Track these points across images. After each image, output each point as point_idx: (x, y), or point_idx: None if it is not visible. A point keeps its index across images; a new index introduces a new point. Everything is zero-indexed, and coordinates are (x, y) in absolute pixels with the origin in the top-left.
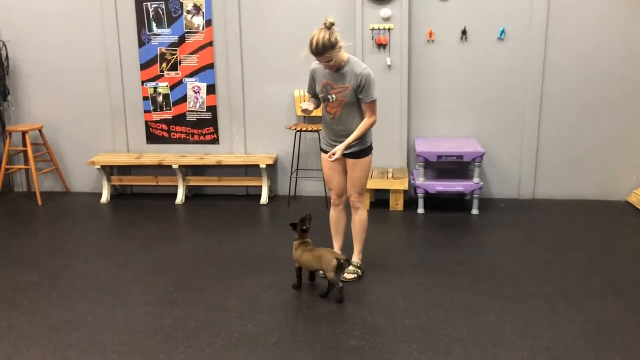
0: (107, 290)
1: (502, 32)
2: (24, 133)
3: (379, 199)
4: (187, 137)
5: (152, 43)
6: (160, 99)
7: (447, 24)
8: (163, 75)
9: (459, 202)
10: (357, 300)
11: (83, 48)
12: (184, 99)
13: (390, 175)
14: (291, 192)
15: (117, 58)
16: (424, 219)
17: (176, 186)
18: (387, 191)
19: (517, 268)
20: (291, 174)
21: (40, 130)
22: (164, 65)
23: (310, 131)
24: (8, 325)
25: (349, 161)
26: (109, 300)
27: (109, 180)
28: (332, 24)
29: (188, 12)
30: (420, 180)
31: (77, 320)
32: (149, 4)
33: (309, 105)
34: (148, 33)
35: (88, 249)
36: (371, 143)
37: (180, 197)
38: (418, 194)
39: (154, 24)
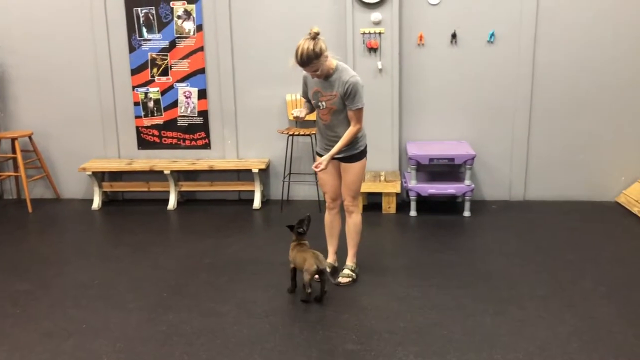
0: (100, 297)
1: (492, 35)
2: (13, 140)
3: (372, 202)
4: (179, 143)
5: (143, 48)
6: (151, 104)
7: (437, 28)
8: (154, 80)
9: (450, 204)
10: (352, 304)
11: (73, 54)
12: (175, 104)
13: (382, 178)
14: (284, 196)
15: (107, 64)
16: (417, 222)
17: (168, 192)
18: (379, 194)
19: (510, 269)
20: (284, 178)
21: (30, 137)
22: (155, 70)
23: (303, 135)
24: (1, 334)
25: (343, 165)
26: (103, 307)
27: (100, 186)
28: (317, 34)
29: (179, 17)
30: (412, 183)
31: (71, 327)
32: (139, 9)
33: (300, 112)
34: (138, 38)
35: (80, 256)
36: (365, 147)
37: (172, 203)
38: (410, 197)
39: (144, 29)
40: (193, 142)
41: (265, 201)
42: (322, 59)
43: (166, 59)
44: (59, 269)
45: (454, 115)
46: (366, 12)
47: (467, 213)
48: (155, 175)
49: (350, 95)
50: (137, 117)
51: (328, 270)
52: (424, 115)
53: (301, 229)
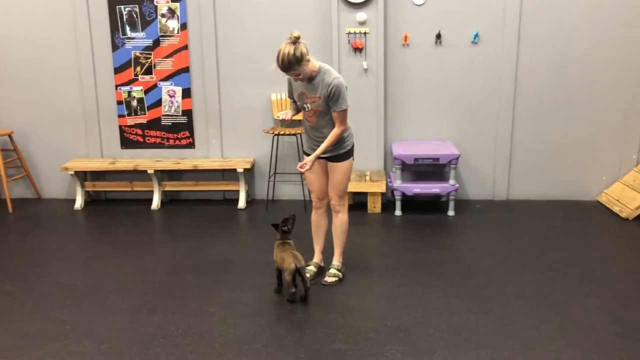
0: (84, 299)
1: (476, 36)
2: None
3: (357, 202)
4: (163, 142)
5: (126, 47)
6: (134, 103)
7: (422, 28)
8: (137, 79)
9: (435, 203)
10: (339, 303)
11: (55, 52)
12: (158, 103)
13: (368, 178)
14: (269, 196)
15: (90, 62)
16: (402, 221)
17: (152, 191)
18: (365, 194)
19: (494, 268)
20: (269, 178)
21: (10, 136)
22: (139, 69)
23: (288, 135)
24: None
25: (330, 164)
26: (86, 308)
27: (82, 186)
28: (298, 38)
29: (162, 15)
30: (397, 183)
31: (54, 330)
32: (122, 7)
33: (285, 114)
34: (122, 37)
35: (63, 256)
36: (352, 146)
37: (156, 203)
38: (395, 197)
39: (127, 28)
40: (177, 142)
41: (250, 201)
42: (303, 63)
43: (150, 58)
44: (41, 270)
45: (439, 115)
46: (351, 12)
47: (451, 212)
48: (138, 174)
49: (333, 97)
50: (121, 116)
51: (313, 269)
52: (409, 115)
53: (285, 227)
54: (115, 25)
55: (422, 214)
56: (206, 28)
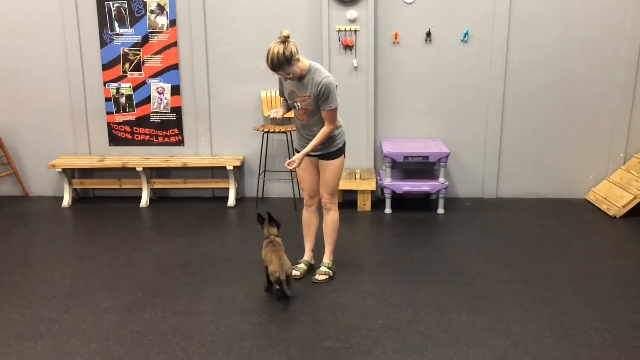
0: (73, 297)
1: (466, 34)
2: None
3: (347, 200)
4: (152, 139)
5: (115, 43)
6: (123, 100)
7: (413, 27)
8: (126, 76)
9: (425, 201)
10: (330, 301)
11: (43, 48)
12: (148, 100)
13: (358, 176)
14: (259, 194)
15: (78, 59)
16: (392, 219)
17: (141, 189)
18: (355, 192)
19: (484, 266)
20: (259, 176)
21: None
22: (127, 66)
23: (278, 132)
24: None
25: (321, 162)
26: (75, 307)
27: (70, 183)
28: (288, 38)
29: (152, 12)
30: (387, 181)
31: (42, 329)
32: (111, 3)
33: (276, 113)
34: (110, 33)
35: (51, 255)
36: (344, 145)
37: (145, 201)
38: (386, 195)
39: (116, 24)
40: (166, 139)
41: (240, 199)
42: (293, 62)
43: (139, 55)
44: (29, 269)
45: (429, 113)
46: (342, 10)
47: (441, 210)
48: (127, 172)
49: (323, 96)
50: (109, 113)
51: (304, 267)
52: (399, 114)
53: (273, 218)
54: (104, 22)
55: (412, 212)
56: (196, 25)
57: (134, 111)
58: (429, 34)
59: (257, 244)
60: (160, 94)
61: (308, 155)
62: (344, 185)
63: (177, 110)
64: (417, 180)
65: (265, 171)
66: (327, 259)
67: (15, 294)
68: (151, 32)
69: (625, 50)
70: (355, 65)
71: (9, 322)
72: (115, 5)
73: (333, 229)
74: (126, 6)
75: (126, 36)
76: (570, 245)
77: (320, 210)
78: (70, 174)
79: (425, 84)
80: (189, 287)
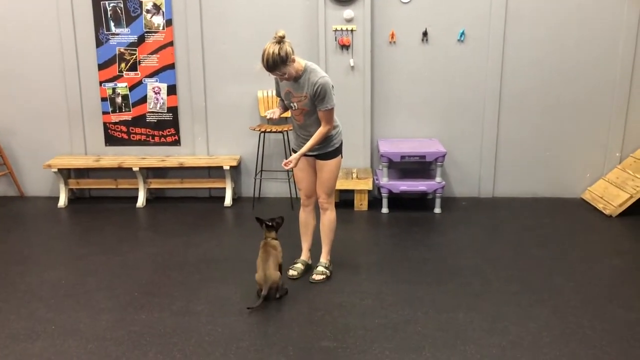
0: (69, 297)
1: (462, 34)
2: None
3: (344, 199)
4: (148, 139)
5: (111, 43)
6: (119, 99)
7: (409, 26)
8: (122, 75)
9: (421, 201)
10: (326, 301)
11: (38, 47)
12: (144, 99)
13: (354, 175)
14: (256, 193)
15: (74, 58)
16: (389, 219)
17: (137, 189)
18: (351, 191)
19: (481, 265)
20: (255, 175)
21: None
22: (123, 65)
23: (275, 132)
24: None
25: (318, 162)
26: (72, 307)
27: (66, 183)
28: (283, 38)
29: (147, 11)
30: (384, 181)
31: (39, 329)
32: (106, 2)
33: (273, 113)
34: (106, 33)
35: (47, 255)
36: (340, 144)
37: (141, 200)
38: (382, 194)
39: (112, 24)
40: (162, 139)
41: (236, 198)
42: (288, 63)
43: (135, 54)
44: (25, 268)
45: (425, 112)
46: (338, 9)
47: (437, 210)
48: (123, 172)
49: (319, 96)
50: (105, 113)
51: (301, 266)
52: (395, 113)
53: (271, 223)
54: (100, 21)
55: (409, 211)
56: (192, 24)
57: (129, 111)
58: (425, 34)
59: (254, 243)
60: (156, 93)
61: (304, 155)
62: (341, 184)
63: (173, 110)
64: (413, 179)
65: (261, 171)
66: (324, 258)
67: (12, 294)
68: (147, 32)
69: (620, 50)
70: (352, 64)
71: (5, 322)
72: (111, 5)
73: (330, 229)
74: (122, 5)
75: (122, 35)
76: (566, 244)
77: (317, 210)
78: (66, 173)
79: (422, 83)
80: (186, 286)
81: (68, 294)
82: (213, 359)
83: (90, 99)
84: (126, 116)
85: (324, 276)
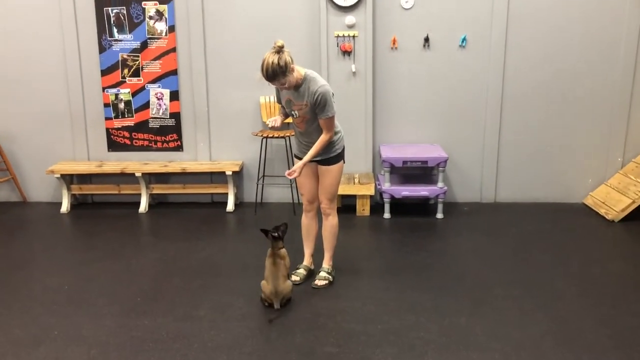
0: (72, 303)
1: (464, 39)
2: None
3: (346, 205)
4: (150, 145)
5: (114, 49)
6: (122, 105)
7: (411, 32)
8: (125, 81)
9: (423, 206)
10: (329, 306)
11: (41, 53)
12: (146, 105)
13: (356, 181)
14: (258, 199)
15: (76, 64)
16: (391, 224)
17: (139, 194)
18: (353, 197)
19: (483, 270)
20: (258, 180)
21: None
22: (126, 71)
23: (277, 137)
24: None
25: (320, 168)
26: (74, 313)
27: (69, 189)
28: (282, 47)
29: (150, 17)
30: (386, 186)
31: (42, 335)
32: (109, 9)
33: (274, 122)
34: (109, 39)
35: (49, 260)
36: (343, 150)
37: (143, 206)
38: (384, 199)
39: (115, 30)
40: (165, 144)
41: (238, 204)
42: (288, 72)
43: (137, 60)
44: (28, 274)
45: (427, 118)
46: (340, 15)
47: (439, 215)
48: (126, 177)
49: (319, 104)
50: (108, 118)
51: (303, 272)
52: (397, 118)
53: (276, 234)
54: (103, 27)
55: (411, 216)
56: (194, 30)
57: (132, 116)
58: (426, 39)
59: (256, 248)
60: (158, 99)
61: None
62: (343, 190)
63: (175, 116)
64: (415, 184)
65: (263, 176)
66: (326, 264)
67: (14, 300)
68: (150, 38)
69: (621, 55)
70: (354, 70)
71: (8, 328)
72: (114, 11)
73: (332, 234)
74: (125, 12)
75: (125, 42)
76: (568, 249)
77: (319, 215)
78: (69, 179)
79: (423, 89)
80: (188, 292)
81: (70, 300)
82: None
83: (93, 104)
84: (129, 122)
85: (327, 282)
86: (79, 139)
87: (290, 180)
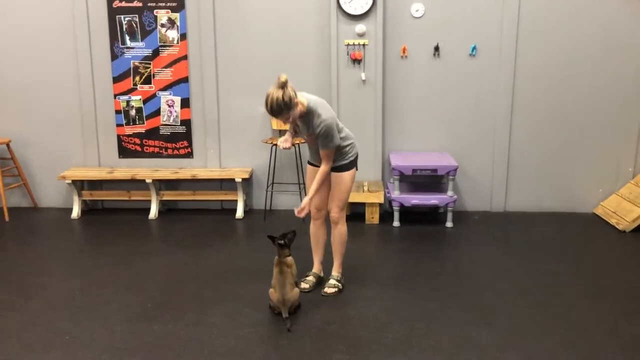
0: (83, 308)
1: (474, 48)
2: None
3: (355, 212)
4: (161, 151)
5: (126, 56)
6: (133, 112)
7: (420, 41)
8: (136, 88)
9: (432, 214)
10: (339, 314)
11: (54, 60)
12: (157, 112)
13: (365, 188)
14: (267, 206)
15: (89, 71)
16: (400, 232)
17: (149, 201)
18: (362, 204)
19: (494, 279)
20: (267, 188)
21: (8, 145)
22: (138, 78)
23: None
24: None
25: (333, 174)
26: (86, 318)
27: (79, 195)
28: (285, 83)
29: (162, 25)
30: (395, 194)
31: (54, 339)
32: (122, 16)
33: (285, 142)
34: (121, 46)
35: (61, 266)
36: (355, 157)
37: (153, 212)
38: (394, 207)
39: (127, 37)
40: (175, 151)
41: (247, 211)
42: (292, 106)
43: (149, 67)
44: (39, 279)
45: (437, 126)
46: (350, 24)
47: (449, 224)
48: (136, 184)
49: (321, 136)
50: (119, 125)
51: (312, 279)
52: (406, 127)
53: (282, 241)
54: (115, 35)
55: (420, 225)
56: (206, 38)
57: (143, 123)
58: (436, 48)
59: (265, 256)
60: (169, 106)
61: (317, 166)
62: (352, 197)
63: (186, 123)
64: (425, 193)
65: (273, 183)
66: (335, 271)
67: (26, 304)
68: (161, 46)
69: (632, 63)
70: (363, 78)
71: (20, 333)
72: (126, 19)
73: (341, 242)
74: (137, 20)
75: (137, 49)
76: (579, 259)
77: (327, 223)
78: (80, 185)
79: (433, 97)
80: (198, 298)
81: (82, 305)
82: None
83: (104, 111)
84: (140, 129)
85: (336, 289)
86: (90, 145)
87: (300, 187)
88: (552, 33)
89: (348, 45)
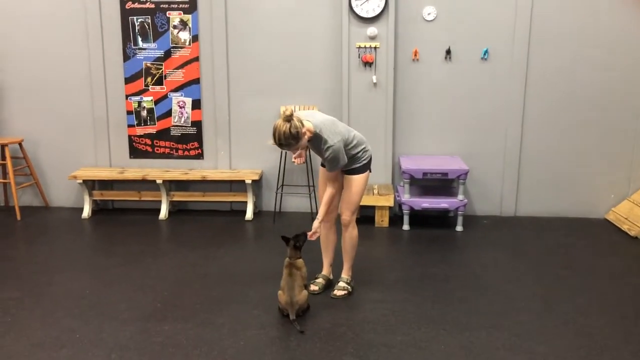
0: (93, 307)
1: (486, 52)
2: (3, 146)
3: (364, 215)
4: (172, 152)
5: (138, 57)
6: (144, 113)
7: (432, 44)
8: (148, 89)
9: (442, 218)
10: (348, 316)
11: (67, 61)
12: (168, 113)
13: (375, 192)
14: (277, 208)
15: (101, 71)
16: (410, 236)
17: (159, 201)
18: (372, 207)
19: (504, 284)
20: (277, 189)
21: (20, 144)
22: (149, 79)
23: None
24: None
25: (346, 177)
26: (95, 317)
27: (90, 195)
28: (291, 116)
29: (174, 27)
30: (405, 197)
31: (64, 338)
32: (135, 18)
33: (300, 158)
34: (133, 47)
35: (71, 265)
36: (369, 161)
37: (163, 213)
38: (404, 211)
39: (139, 38)
40: (186, 152)
41: (257, 212)
42: (299, 137)
43: (161, 69)
44: (50, 278)
45: (448, 130)
46: (362, 27)
47: (459, 228)
48: (146, 184)
49: (328, 161)
50: (130, 125)
51: (322, 281)
52: (417, 130)
53: (298, 244)
54: (127, 36)
55: (430, 228)
56: (217, 40)
57: (154, 124)
58: (448, 52)
59: (275, 257)
60: (181, 107)
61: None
62: (362, 200)
63: (197, 124)
64: (435, 196)
65: (282, 185)
66: (345, 274)
67: (36, 303)
68: (173, 47)
69: None
70: (375, 81)
71: (30, 331)
72: (139, 20)
73: (351, 245)
74: (149, 21)
75: (149, 50)
76: (590, 264)
77: (337, 225)
78: (91, 185)
79: (444, 100)
80: (208, 299)
81: (92, 304)
82: None
83: (116, 112)
84: (151, 129)
85: (346, 292)
86: (102, 145)
87: (309, 189)
88: (564, 37)
89: (359, 48)
